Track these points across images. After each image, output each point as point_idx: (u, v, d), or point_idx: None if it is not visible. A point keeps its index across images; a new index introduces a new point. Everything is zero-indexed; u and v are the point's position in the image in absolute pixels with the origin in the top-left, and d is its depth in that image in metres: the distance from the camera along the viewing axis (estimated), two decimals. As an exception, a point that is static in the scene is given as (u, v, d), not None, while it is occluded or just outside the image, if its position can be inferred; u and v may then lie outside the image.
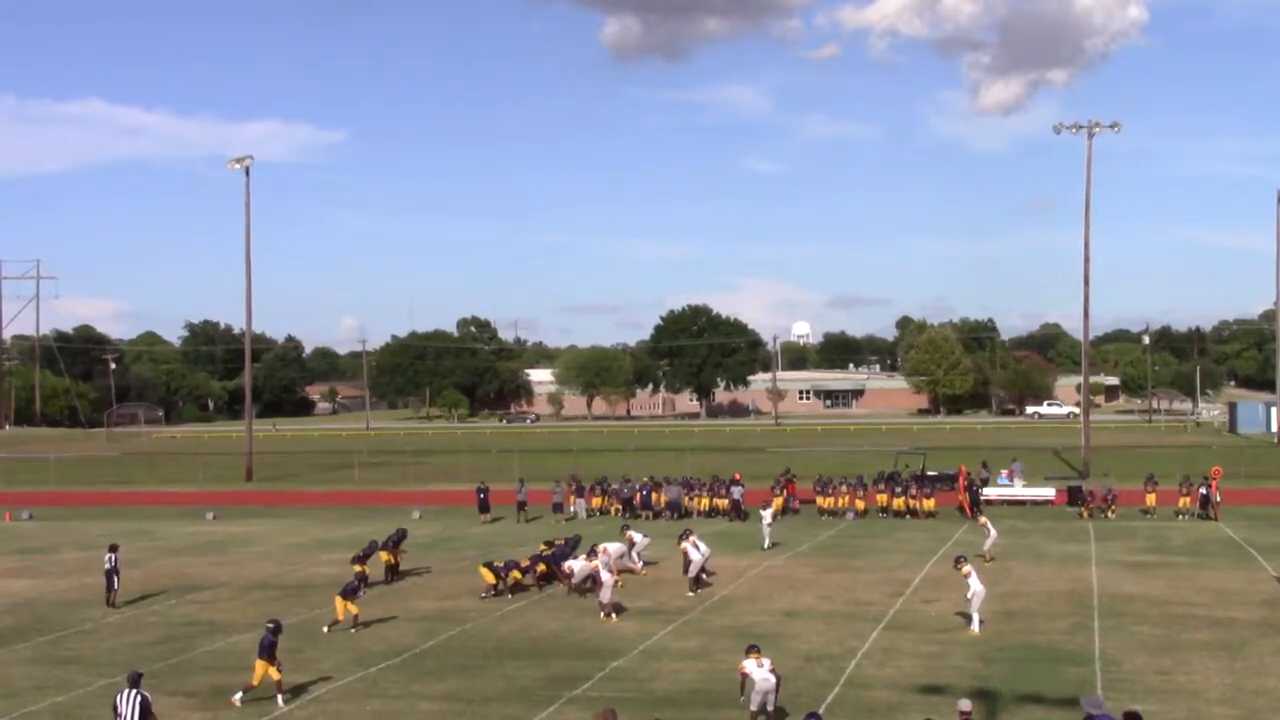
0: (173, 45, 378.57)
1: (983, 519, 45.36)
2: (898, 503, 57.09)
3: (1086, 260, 79.69)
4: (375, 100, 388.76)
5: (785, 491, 58.75)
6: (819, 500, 57.86)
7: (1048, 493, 62.16)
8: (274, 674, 25.36)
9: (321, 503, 69.17)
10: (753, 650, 23.81)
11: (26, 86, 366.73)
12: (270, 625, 26.42)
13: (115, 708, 21.03)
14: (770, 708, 23.08)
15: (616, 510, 58.96)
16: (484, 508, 57.29)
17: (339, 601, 33.07)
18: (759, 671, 23.10)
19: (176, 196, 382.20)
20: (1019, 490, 62.71)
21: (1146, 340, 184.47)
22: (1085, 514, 55.58)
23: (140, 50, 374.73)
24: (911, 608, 35.01)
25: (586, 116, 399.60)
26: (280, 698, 25.36)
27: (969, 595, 31.59)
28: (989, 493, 60.28)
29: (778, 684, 23.20)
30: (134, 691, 20.87)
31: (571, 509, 58.58)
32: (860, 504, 57.27)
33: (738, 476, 60.24)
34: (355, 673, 28.00)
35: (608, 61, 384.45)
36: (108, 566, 36.80)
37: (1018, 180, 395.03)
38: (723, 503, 57.88)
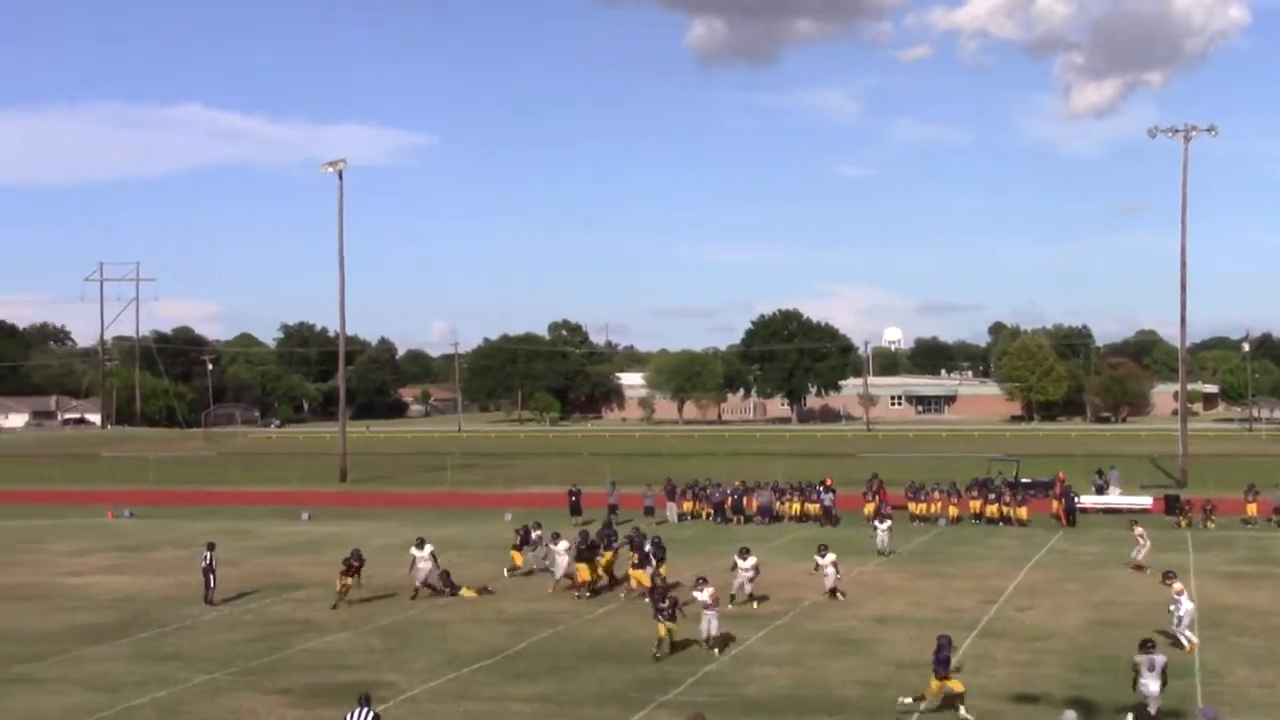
0: (269, 51, 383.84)
1: (1138, 528, 43.75)
2: (991, 509, 56.56)
3: (1183, 265, 78.58)
4: (467, 104, 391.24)
5: (876, 497, 58.39)
6: (911, 506, 57.44)
7: (1145, 501, 61.31)
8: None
9: (414, 504, 69.72)
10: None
11: (130, 92, 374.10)
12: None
13: None
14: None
15: (708, 514, 58.95)
16: (576, 510, 57.51)
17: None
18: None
19: (272, 199, 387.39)
20: (1115, 499, 61.92)
21: (1246, 347, 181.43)
22: (1183, 523, 54.73)
23: (238, 56, 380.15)
24: (1005, 615, 34.67)
25: (676, 120, 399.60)
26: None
27: (1179, 614, 29.71)
28: (1085, 500, 59.55)
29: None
30: (366, 710, 20.49)
31: (664, 512, 58.64)
32: (953, 510, 56.81)
33: (829, 482, 60.01)
34: (448, 674, 28.18)
35: (693, 65, 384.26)
36: (205, 564, 37.44)
37: (1111, 184, 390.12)
38: (814, 508, 57.66)
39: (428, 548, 38.58)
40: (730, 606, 34.09)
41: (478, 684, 27.34)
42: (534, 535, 42.99)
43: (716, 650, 29.63)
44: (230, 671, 28.49)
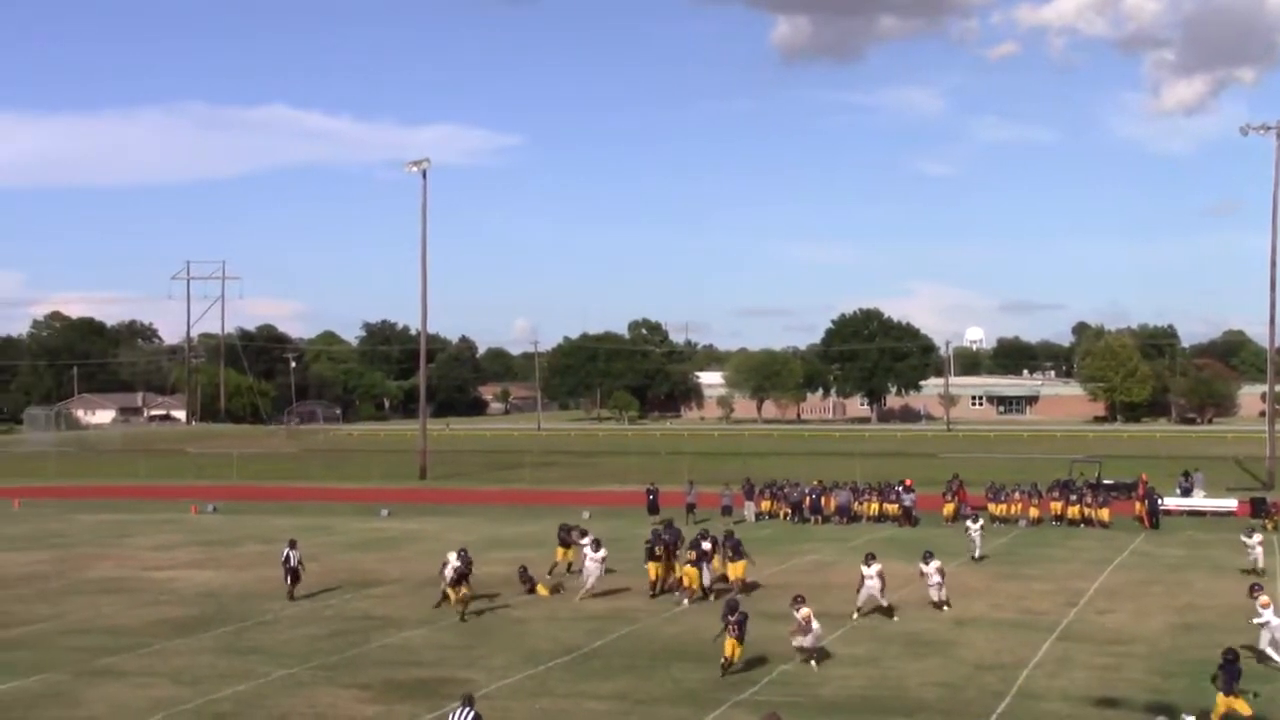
0: (353, 51, 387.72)
1: (1257, 535, 41.25)
2: (1072, 511, 55.96)
3: (1274, 264, 77.37)
4: (549, 104, 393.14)
5: (956, 498, 57.95)
6: (991, 507, 56.91)
7: (1230, 504, 60.45)
8: None
9: (493, 501, 70.11)
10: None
11: (215, 93, 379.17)
12: None
13: None
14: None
15: (785, 514, 58.79)
16: (653, 509, 57.55)
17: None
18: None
19: (356, 199, 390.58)
20: (1200, 501, 61.09)
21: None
22: (1270, 526, 53.89)
23: (322, 56, 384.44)
24: (1086, 618, 34.30)
25: (759, 119, 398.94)
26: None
27: (1265, 628, 28.09)
28: (1169, 503, 58.80)
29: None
30: (469, 710, 20.48)
31: (741, 512, 58.56)
32: (1034, 511, 56.28)
33: (909, 482, 59.62)
34: (524, 670, 28.30)
35: (777, 63, 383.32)
36: (286, 561, 37.80)
37: (1200, 182, 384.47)
38: (892, 508, 57.34)
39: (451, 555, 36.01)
40: (855, 618, 33.44)
41: (553, 681, 27.44)
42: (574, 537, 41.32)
43: (814, 662, 28.50)
44: (309, 666, 28.78)
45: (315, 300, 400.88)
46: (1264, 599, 28.40)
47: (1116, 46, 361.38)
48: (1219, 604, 36.21)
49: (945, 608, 34.63)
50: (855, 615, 33.68)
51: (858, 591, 34.10)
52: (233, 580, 41.68)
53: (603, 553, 37.53)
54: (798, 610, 28.95)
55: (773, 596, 36.71)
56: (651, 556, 38.25)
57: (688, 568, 37.17)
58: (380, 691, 26.50)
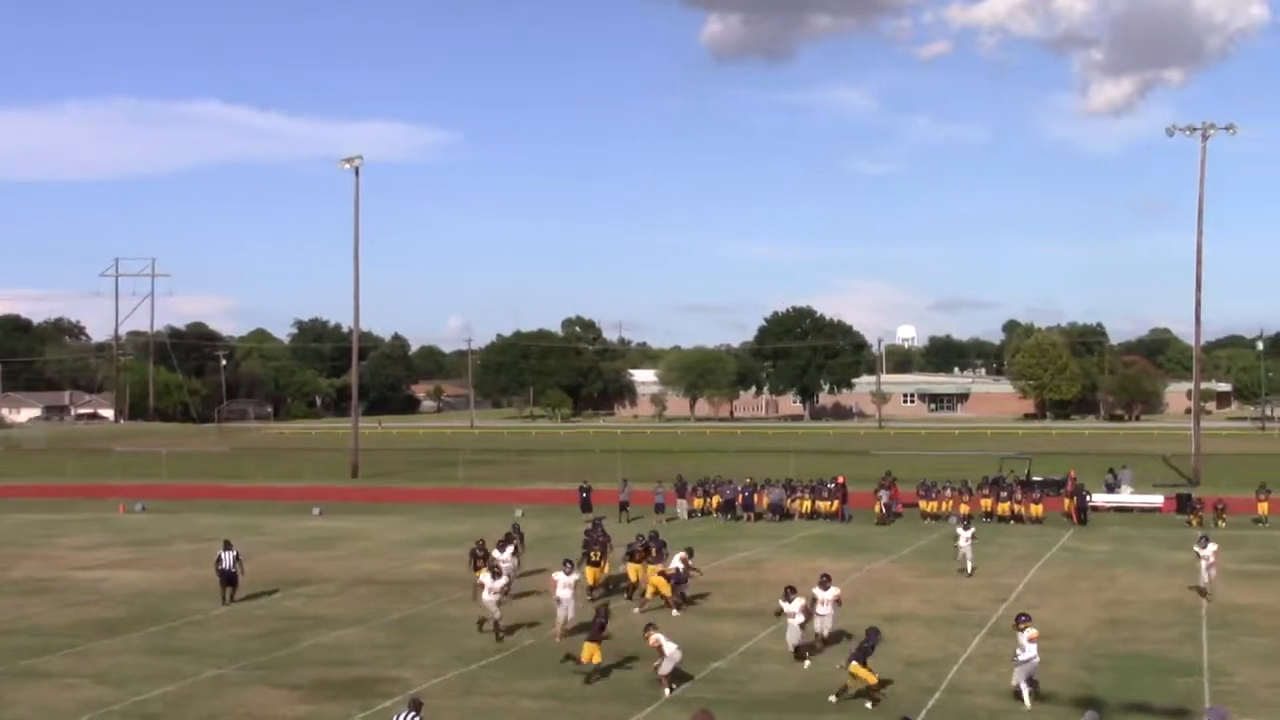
0: (285, 46, 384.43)
1: (1211, 546, 36.87)
2: (1002, 508, 56.52)
3: (1199, 264, 78.34)
4: (483, 101, 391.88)
5: (888, 495, 58.33)
6: (922, 504, 57.42)
7: (1156, 500, 61.23)
8: None
9: (426, 500, 69.84)
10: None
11: (144, 88, 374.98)
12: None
13: None
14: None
15: (714, 510, 58.92)
16: (586, 507, 57.56)
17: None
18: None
19: (288, 196, 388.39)
20: (1127, 497, 61.83)
21: (1260, 346, 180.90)
22: (1194, 522, 54.63)
23: (254, 52, 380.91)
24: (1015, 614, 34.56)
25: (692, 117, 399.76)
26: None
27: (1025, 664, 25.16)
28: (1097, 500, 59.48)
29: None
30: (414, 715, 20.11)
31: (674, 509, 58.67)
32: (964, 508, 56.70)
33: (841, 480, 59.96)
34: (456, 669, 28.22)
35: (709, 61, 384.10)
36: (220, 563, 36.70)
37: (1128, 183, 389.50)
38: (825, 505, 57.64)
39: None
40: (805, 663, 28.64)
41: (486, 679, 27.38)
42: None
43: (805, 662, 28.38)
44: (239, 666, 28.56)
45: (247, 297, 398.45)
46: (1032, 632, 25.36)
47: (1047, 47, 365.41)
48: (1144, 599, 36.73)
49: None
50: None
51: (805, 617, 29.41)
52: (162, 580, 41.27)
53: (507, 551, 36.66)
54: (790, 602, 29.01)
55: (706, 595, 36.83)
56: (589, 561, 37.73)
57: (657, 578, 36.13)
58: (311, 691, 26.33)
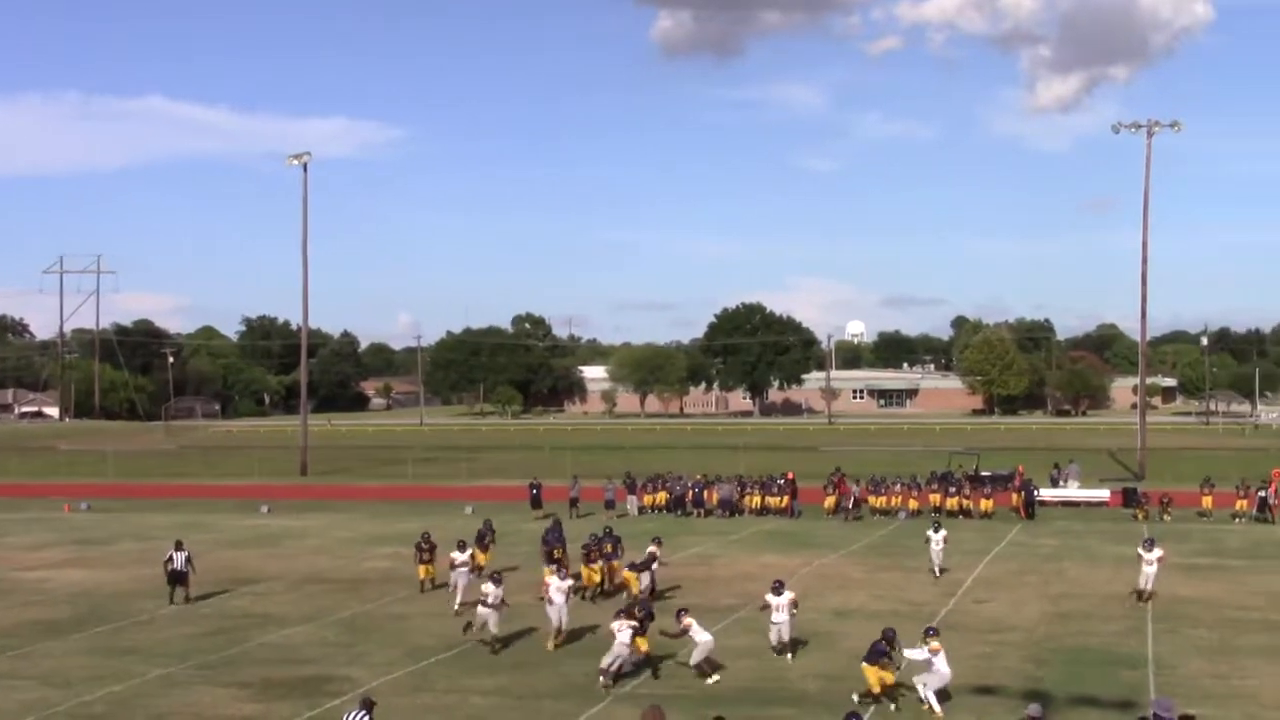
0: (233, 42, 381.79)
1: (1156, 551, 34.95)
2: (951, 502, 56.83)
3: (1144, 260, 79.05)
4: (434, 98, 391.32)
5: (837, 491, 58.55)
6: (872, 500, 57.63)
7: (1102, 494, 61.73)
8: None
9: (375, 497, 69.58)
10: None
11: (90, 83, 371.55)
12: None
13: None
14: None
15: (661, 505, 58.97)
16: (536, 504, 57.50)
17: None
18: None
19: (236, 192, 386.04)
20: (1074, 492, 62.30)
21: (1205, 342, 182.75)
22: (1140, 516, 55.11)
23: (201, 47, 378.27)
24: (964, 608, 34.83)
25: (641, 113, 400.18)
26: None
27: (930, 673, 24.84)
28: (1045, 494, 59.89)
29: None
30: (364, 714, 19.89)
31: (624, 506, 58.67)
32: (914, 503, 57.01)
33: (791, 475, 60.12)
34: (406, 666, 28.12)
35: (659, 57, 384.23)
36: (171, 562, 36.32)
37: (1075, 179, 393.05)
38: (775, 501, 57.78)
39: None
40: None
41: (435, 676, 27.29)
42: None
43: (790, 655, 28.46)
44: (186, 666, 28.34)
45: (194, 295, 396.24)
46: (935, 644, 24.84)
47: (995, 43, 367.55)
48: (1091, 593, 37.01)
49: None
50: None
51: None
52: (107, 579, 40.90)
53: (468, 553, 35.80)
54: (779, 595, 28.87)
55: (659, 590, 36.82)
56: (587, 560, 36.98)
57: (627, 573, 35.95)
58: (259, 690, 26.16)
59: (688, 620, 26.85)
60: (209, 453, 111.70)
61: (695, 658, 26.53)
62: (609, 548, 37.28)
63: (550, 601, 30.38)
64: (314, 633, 32.12)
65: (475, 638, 29.99)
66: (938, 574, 39.65)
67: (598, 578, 36.51)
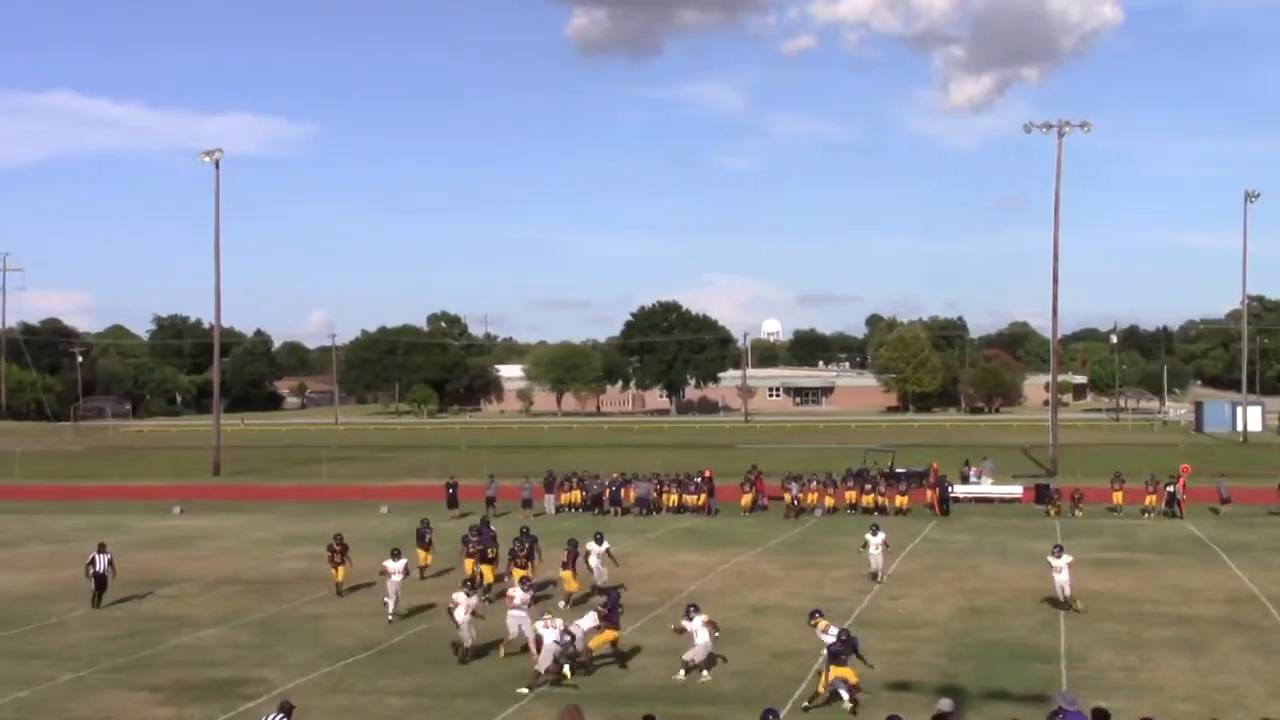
0: (144, 37, 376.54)
1: (1064, 558, 33.98)
2: (866, 500, 57.19)
3: (1055, 259, 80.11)
4: (346, 94, 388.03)
5: (754, 488, 58.77)
6: (788, 497, 57.89)
7: (1015, 491, 62.42)
8: None
9: (289, 498, 68.89)
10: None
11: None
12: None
13: None
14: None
15: (578, 505, 58.93)
16: (453, 503, 57.25)
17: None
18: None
19: (146, 189, 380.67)
20: (987, 488, 62.92)
21: (1114, 339, 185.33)
22: (1053, 512, 55.79)
23: (111, 42, 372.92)
24: (879, 604, 35.08)
25: (556, 111, 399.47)
26: None
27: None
28: (959, 490, 60.44)
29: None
30: (281, 716, 19.54)
31: (541, 504, 58.55)
32: (829, 501, 57.32)
33: (708, 473, 60.24)
34: (322, 668, 27.89)
35: (574, 55, 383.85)
36: (94, 565, 35.64)
37: (988, 178, 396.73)
38: (692, 499, 57.88)
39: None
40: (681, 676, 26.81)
41: (352, 677, 27.10)
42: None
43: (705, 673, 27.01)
44: (97, 669, 27.93)
45: (104, 293, 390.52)
46: (824, 623, 25.50)
47: (908, 43, 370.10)
48: (1004, 588, 37.42)
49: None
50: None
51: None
52: (15, 583, 40.19)
53: (403, 562, 34.25)
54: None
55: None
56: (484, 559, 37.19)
57: (565, 573, 35.64)
58: (173, 693, 25.84)
59: (691, 621, 26.95)
60: (120, 453, 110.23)
61: (694, 656, 26.60)
62: (526, 547, 37.07)
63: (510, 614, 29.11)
64: (228, 635, 31.79)
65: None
66: (880, 579, 38.10)
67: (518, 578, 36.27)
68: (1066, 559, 34.00)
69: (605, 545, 37.21)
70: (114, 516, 58.72)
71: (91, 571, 35.74)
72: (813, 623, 25.76)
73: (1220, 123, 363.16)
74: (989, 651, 29.01)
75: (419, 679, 26.82)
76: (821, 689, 24.53)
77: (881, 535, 38.79)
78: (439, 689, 26.00)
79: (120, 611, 35.05)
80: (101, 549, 36.32)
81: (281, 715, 19.66)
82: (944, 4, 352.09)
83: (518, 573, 34.75)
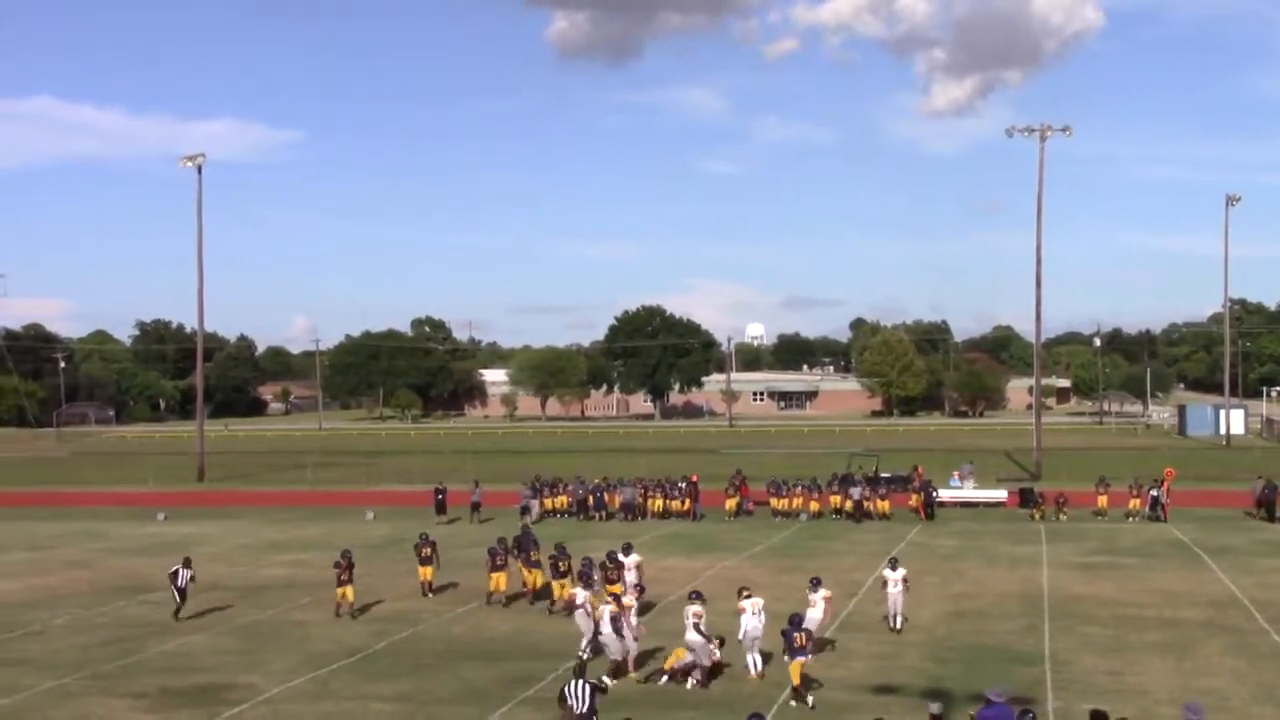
0: (125, 43, 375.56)
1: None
2: (851, 504, 57.19)
3: (1039, 263, 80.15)
4: (329, 100, 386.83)
5: (739, 493, 58.77)
6: (773, 502, 57.90)
7: (1000, 495, 62.47)
8: None
9: (274, 503, 68.72)
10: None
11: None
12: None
13: (563, 697, 20.63)
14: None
15: (563, 509, 58.90)
16: (441, 509, 57.13)
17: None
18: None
19: (129, 195, 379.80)
20: (972, 492, 62.98)
21: (1097, 343, 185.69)
22: (1037, 516, 55.89)
23: (92, 47, 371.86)
24: (865, 609, 35.08)
25: (538, 116, 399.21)
26: None
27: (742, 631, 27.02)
28: (943, 494, 60.47)
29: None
30: (581, 682, 20.47)
31: (524, 506, 58.45)
32: (814, 505, 57.35)
33: (694, 478, 60.23)
34: (306, 674, 27.83)
35: (555, 59, 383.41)
36: (179, 583, 34.64)
37: (971, 182, 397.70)
38: (676, 504, 57.87)
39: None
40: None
41: (337, 684, 27.04)
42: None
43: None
44: (81, 676, 27.84)
45: (87, 299, 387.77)
46: (752, 601, 27.11)
47: (890, 47, 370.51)
48: (990, 592, 37.50)
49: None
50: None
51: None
52: (-2, 589, 40.10)
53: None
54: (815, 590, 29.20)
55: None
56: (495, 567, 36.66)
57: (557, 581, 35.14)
58: (157, 700, 25.77)
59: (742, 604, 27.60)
60: (103, 459, 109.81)
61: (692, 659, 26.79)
62: (529, 553, 36.97)
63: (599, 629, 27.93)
64: (212, 641, 31.71)
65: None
66: (896, 625, 32.19)
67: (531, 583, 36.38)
68: (901, 572, 32.44)
69: (636, 556, 35.88)
70: (97, 522, 58.59)
71: (175, 585, 34.60)
72: (746, 594, 27.36)
73: (1202, 127, 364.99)
74: (974, 655, 29.04)
75: (404, 685, 26.78)
76: (668, 666, 26.02)
77: (902, 571, 32.62)
78: (425, 694, 25.96)
79: (104, 618, 34.96)
80: (187, 563, 35.33)
81: (581, 679, 20.65)
82: (926, 7, 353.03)
83: (613, 589, 32.22)
